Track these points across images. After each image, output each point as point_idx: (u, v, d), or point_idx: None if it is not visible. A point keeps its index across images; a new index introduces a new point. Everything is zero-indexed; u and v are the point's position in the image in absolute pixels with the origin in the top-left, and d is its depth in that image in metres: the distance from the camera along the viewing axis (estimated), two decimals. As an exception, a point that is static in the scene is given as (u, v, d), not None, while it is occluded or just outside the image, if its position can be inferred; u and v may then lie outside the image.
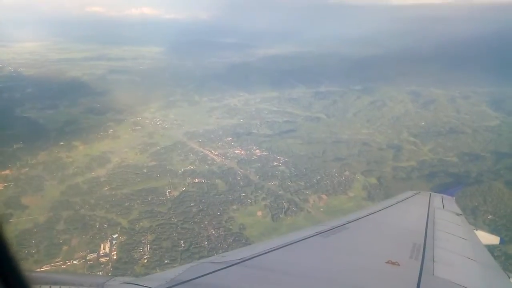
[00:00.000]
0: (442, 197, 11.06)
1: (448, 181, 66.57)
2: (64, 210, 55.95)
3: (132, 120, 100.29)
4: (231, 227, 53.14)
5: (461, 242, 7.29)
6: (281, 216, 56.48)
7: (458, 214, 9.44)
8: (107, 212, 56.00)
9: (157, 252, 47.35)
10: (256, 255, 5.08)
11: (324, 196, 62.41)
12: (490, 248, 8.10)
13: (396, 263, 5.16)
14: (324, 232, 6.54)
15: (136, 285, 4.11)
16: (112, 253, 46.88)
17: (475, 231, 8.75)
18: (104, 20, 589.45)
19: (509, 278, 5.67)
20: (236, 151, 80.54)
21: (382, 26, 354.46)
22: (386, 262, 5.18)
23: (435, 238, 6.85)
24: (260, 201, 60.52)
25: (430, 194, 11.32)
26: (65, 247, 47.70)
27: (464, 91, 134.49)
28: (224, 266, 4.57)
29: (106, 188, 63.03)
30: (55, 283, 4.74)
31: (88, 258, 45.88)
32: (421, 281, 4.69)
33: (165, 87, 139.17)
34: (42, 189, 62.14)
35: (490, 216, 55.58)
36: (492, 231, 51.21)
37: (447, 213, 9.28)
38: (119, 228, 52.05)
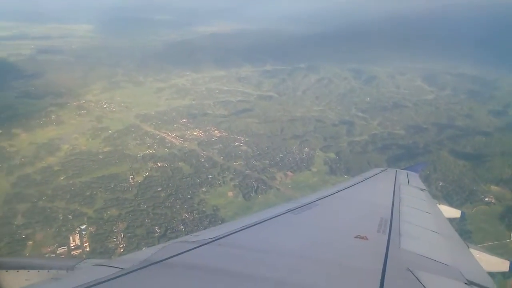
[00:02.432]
0: (407, 173, 11.49)
1: (400, 153, 71.39)
2: (20, 203, 51.43)
3: (75, 103, 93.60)
4: (204, 209, 52.54)
5: (425, 216, 7.68)
6: (252, 195, 56.95)
7: (422, 190, 9.81)
8: (68, 202, 52.41)
9: (133, 240, 45.58)
10: (229, 233, 5.13)
11: (289, 173, 63.83)
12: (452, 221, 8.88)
13: (365, 237, 5.39)
14: (294, 210, 6.64)
15: (107, 267, 4.03)
16: (84, 245, 44.33)
17: (438, 205, 9.17)
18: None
19: (468, 248, 6.30)
20: (195, 133, 78.97)
21: (319, 5, 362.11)
22: (355, 237, 5.40)
23: (401, 213, 7.15)
24: (229, 181, 60.37)
25: (396, 170, 11.71)
26: (30, 243, 44.16)
27: (400, 68, 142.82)
28: (197, 245, 4.56)
29: (62, 178, 58.81)
30: (23, 267, 4.70)
31: (58, 252, 42.95)
32: (388, 254, 4.94)
33: (104, 68, 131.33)
34: (-11, 182, 56.49)
35: (441, 183, 60.58)
36: (445, 196, 56.36)
37: (412, 189, 9.63)
38: (85, 219, 49.12)
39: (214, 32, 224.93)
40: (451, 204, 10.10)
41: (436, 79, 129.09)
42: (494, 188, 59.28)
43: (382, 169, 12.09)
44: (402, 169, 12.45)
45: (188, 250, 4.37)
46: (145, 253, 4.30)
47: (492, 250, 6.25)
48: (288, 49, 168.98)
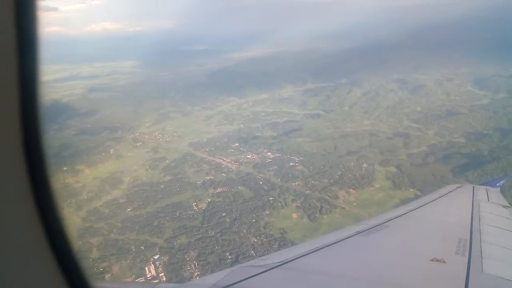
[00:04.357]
0: (486, 189, 10.75)
1: (465, 162, 68.17)
2: (93, 237, 53.28)
3: (130, 137, 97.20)
4: (271, 232, 52.18)
5: (511, 235, 7.09)
6: (317, 215, 56.01)
7: (505, 207, 9.14)
8: (139, 233, 53.76)
9: (206, 267, 45.76)
10: (296, 257, 5.09)
11: (352, 191, 62.44)
12: None
13: (442, 260, 4.98)
14: (363, 232, 6.42)
15: None
16: (160, 275, 45.05)
17: None
18: (65, 39, 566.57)
19: None
20: (248, 156, 79.45)
21: (350, 20, 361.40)
22: (430, 260, 5.02)
23: (482, 233, 6.61)
24: (291, 203, 59.83)
25: (474, 186, 11.08)
26: (107, 276, 45.43)
27: (446, 74, 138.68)
28: (265, 270, 4.59)
29: (128, 209, 60.60)
30: None
31: (136, 283, 43.73)
32: (470, 278, 4.52)
33: (152, 100, 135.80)
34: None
35: (516, 191, 56.89)
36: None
37: (493, 206, 8.98)
38: (157, 249, 50.09)
39: (250, 57, 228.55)
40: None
41: (487, 82, 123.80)
42: None
43: (457, 185, 11.73)
44: (480, 184, 11.97)
45: (256, 275, 4.41)
46: (214, 277, 4.40)
47: None
48: (327, 66, 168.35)
